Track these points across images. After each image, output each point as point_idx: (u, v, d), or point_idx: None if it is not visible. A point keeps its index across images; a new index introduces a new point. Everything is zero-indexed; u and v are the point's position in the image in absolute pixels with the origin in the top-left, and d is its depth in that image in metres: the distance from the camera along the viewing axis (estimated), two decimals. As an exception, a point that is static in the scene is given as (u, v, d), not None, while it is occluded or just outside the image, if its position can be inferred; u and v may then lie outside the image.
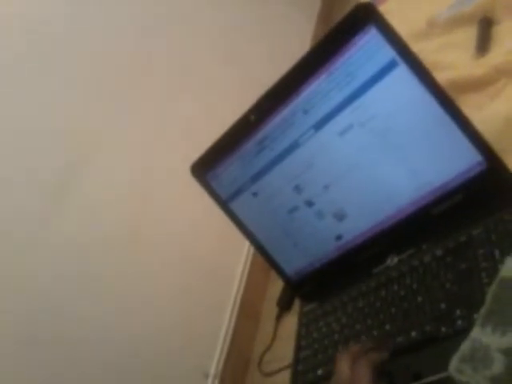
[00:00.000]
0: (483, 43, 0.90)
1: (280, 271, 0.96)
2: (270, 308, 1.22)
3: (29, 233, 0.98)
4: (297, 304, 1.10)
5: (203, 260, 1.25)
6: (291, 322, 1.05)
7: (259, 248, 0.96)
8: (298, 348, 0.91)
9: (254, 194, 0.90)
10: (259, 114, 0.84)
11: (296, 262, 0.94)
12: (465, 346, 0.57)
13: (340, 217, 0.86)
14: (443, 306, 0.69)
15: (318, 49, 0.77)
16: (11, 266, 0.94)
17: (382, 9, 0.72)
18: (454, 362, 0.56)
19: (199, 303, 1.22)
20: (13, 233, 0.95)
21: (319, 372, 0.84)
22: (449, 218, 0.77)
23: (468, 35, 0.93)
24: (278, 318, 1.17)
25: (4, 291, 0.92)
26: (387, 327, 0.75)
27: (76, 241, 1.04)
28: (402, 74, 0.72)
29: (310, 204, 0.87)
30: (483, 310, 0.58)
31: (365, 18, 0.72)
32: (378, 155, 0.78)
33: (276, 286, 1.21)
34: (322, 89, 0.77)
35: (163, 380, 1.11)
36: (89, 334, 1.02)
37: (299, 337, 0.92)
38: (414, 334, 0.70)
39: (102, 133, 1.14)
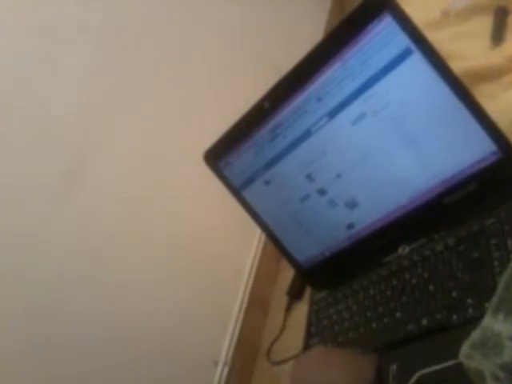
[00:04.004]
0: (498, 33, 0.89)
1: (291, 259, 0.96)
2: (280, 297, 1.22)
3: (30, 230, 0.97)
4: (306, 294, 1.11)
5: (214, 249, 1.26)
6: (300, 311, 1.06)
7: (271, 236, 0.96)
8: (308, 335, 0.92)
9: (267, 182, 0.91)
10: (273, 101, 0.84)
11: (307, 251, 0.94)
12: (476, 334, 0.57)
13: (352, 205, 0.86)
14: (454, 294, 0.69)
15: (333, 36, 0.77)
16: (11, 264, 0.94)
17: (397, -3, 0.72)
18: (464, 349, 0.56)
19: (209, 292, 1.22)
20: (13, 229, 0.95)
21: (329, 359, 0.84)
22: (461, 208, 0.77)
23: (483, 25, 0.92)
24: (288, 307, 1.18)
25: (4, 289, 0.92)
26: (398, 315, 0.76)
27: (79, 241, 1.03)
28: (417, 62, 0.72)
29: (322, 192, 0.87)
30: (494, 299, 0.58)
31: (380, 5, 0.71)
32: (391, 144, 0.78)
33: (286, 276, 1.22)
34: (336, 77, 0.77)
35: (173, 367, 1.12)
36: (96, 327, 1.02)
37: (309, 324, 0.93)
38: (424, 321, 0.71)
39: (108, 125, 1.13)
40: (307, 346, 0.91)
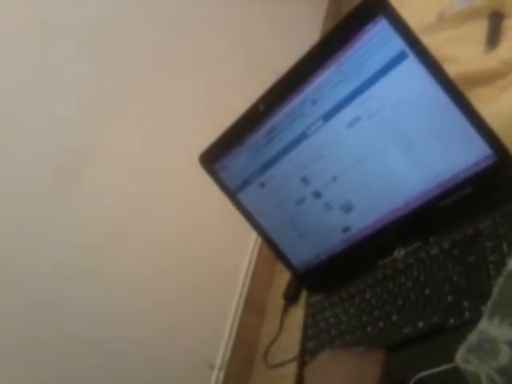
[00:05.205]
0: (493, 37, 0.90)
1: (287, 263, 0.96)
2: (276, 301, 1.22)
3: (29, 229, 0.97)
4: (302, 297, 1.11)
5: (209, 253, 1.25)
6: (297, 314, 1.05)
7: (267, 239, 0.96)
8: (305, 338, 0.91)
9: (262, 185, 0.91)
10: (268, 104, 0.84)
11: (303, 254, 0.94)
12: (472, 337, 0.57)
13: (347, 209, 0.86)
14: (451, 297, 0.69)
15: (328, 39, 0.77)
16: (11, 262, 0.94)
17: (393, 0, 0.72)
18: (460, 352, 0.56)
19: (205, 295, 1.22)
20: (13, 228, 0.95)
21: (325, 363, 0.84)
22: (456, 211, 0.77)
23: (478, 29, 0.92)
24: (284, 310, 1.17)
25: (4, 286, 0.92)
26: (394, 318, 0.75)
27: (77, 237, 1.04)
28: (412, 65, 0.72)
29: (317, 195, 0.87)
30: (490, 302, 0.58)
31: (375, 8, 0.72)
32: (386, 147, 0.78)
33: (282, 279, 1.21)
34: (332, 79, 0.77)
35: (169, 371, 1.12)
36: (91, 329, 1.02)
37: (306, 327, 0.93)
38: (421, 324, 0.71)
39: (102, 125, 1.13)
40: (304, 349, 0.91)
